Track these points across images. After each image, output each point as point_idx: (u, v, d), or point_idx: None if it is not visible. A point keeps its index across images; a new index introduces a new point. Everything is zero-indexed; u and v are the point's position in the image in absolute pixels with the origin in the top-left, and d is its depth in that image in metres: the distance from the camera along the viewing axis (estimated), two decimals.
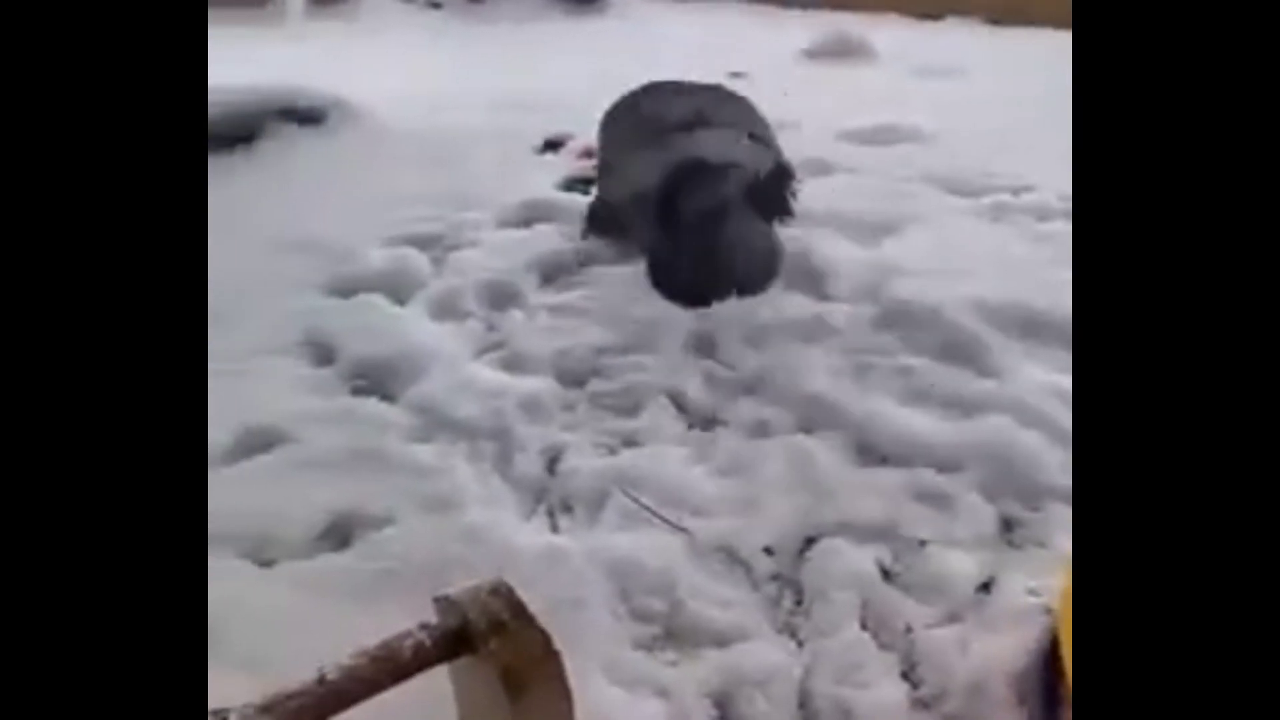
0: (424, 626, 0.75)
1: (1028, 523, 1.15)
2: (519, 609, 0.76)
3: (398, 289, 1.65)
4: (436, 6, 3.63)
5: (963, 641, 0.99)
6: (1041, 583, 1.03)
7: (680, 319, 1.54)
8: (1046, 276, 1.62)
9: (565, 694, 0.77)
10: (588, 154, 2.12)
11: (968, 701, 0.94)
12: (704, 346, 1.48)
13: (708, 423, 1.34)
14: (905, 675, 0.98)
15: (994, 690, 0.94)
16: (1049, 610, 0.97)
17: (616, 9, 3.34)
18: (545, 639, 0.75)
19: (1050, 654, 0.90)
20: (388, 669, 0.72)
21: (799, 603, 1.06)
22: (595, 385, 1.40)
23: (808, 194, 1.96)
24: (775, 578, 1.09)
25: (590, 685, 0.93)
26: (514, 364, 1.45)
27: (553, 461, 1.27)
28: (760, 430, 1.30)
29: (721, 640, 1.02)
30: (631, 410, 1.36)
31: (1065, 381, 1.35)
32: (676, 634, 1.03)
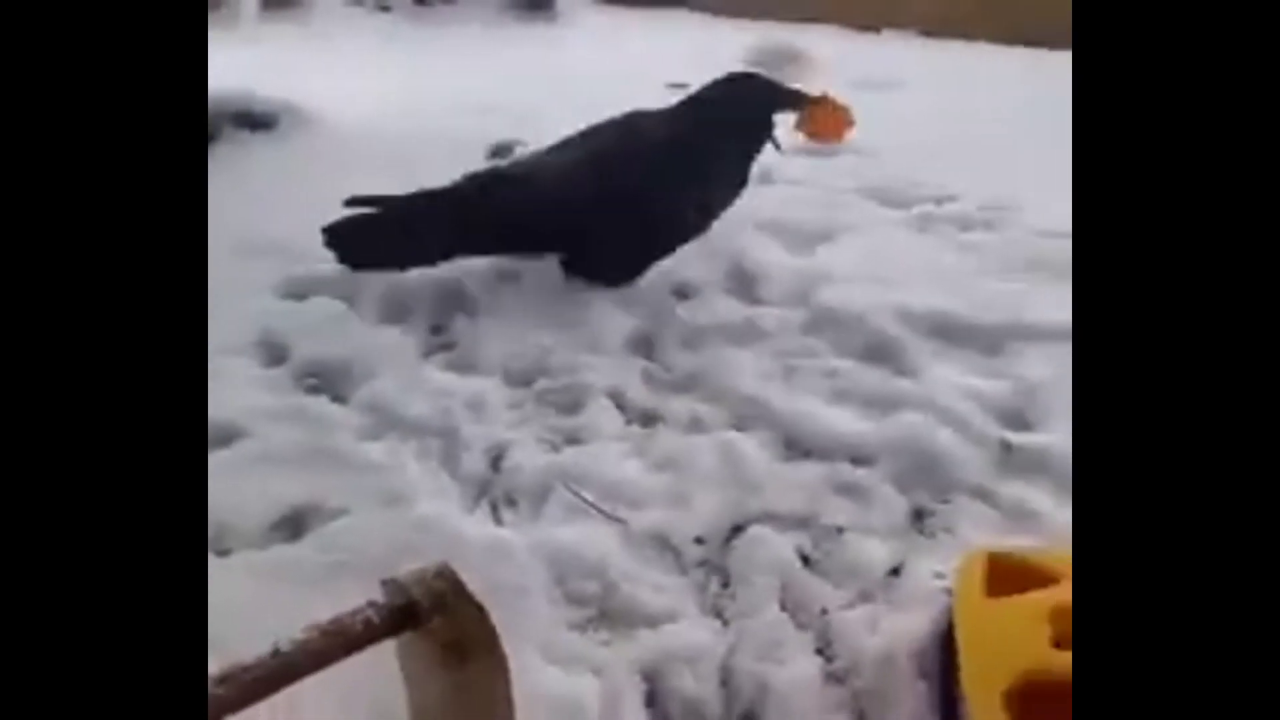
0: (372, 604, 0.81)
1: (937, 513, 1.24)
2: (460, 589, 0.83)
3: (349, 291, 1.71)
4: (386, 10, 3.66)
5: (873, 621, 1.08)
6: (946, 567, 1.12)
7: (621, 321, 1.62)
8: (966, 284, 1.72)
9: (503, 665, 0.84)
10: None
11: (876, 675, 1.02)
12: (643, 347, 1.56)
13: (646, 420, 1.42)
14: (820, 652, 1.06)
15: (900, 665, 1.02)
16: (950, 592, 1.06)
17: (565, 17, 3.41)
18: (484, 615, 0.83)
19: (947, 633, 0.99)
20: (339, 643, 0.79)
21: (725, 586, 1.14)
22: (540, 384, 1.48)
23: (749, 203, 2.05)
24: (703, 564, 1.17)
25: (528, 665, 1.00)
26: (461, 365, 1.52)
27: (497, 458, 1.34)
28: (695, 427, 1.38)
29: (652, 621, 1.09)
30: (574, 408, 1.43)
31: (978, 383, 1.45)
32: (610, 616, 1.10)
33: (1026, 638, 0.88)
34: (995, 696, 0.83)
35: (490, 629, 0.83)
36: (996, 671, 0.86)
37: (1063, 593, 0.91)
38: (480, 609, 0.83)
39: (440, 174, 1.95)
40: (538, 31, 3.32)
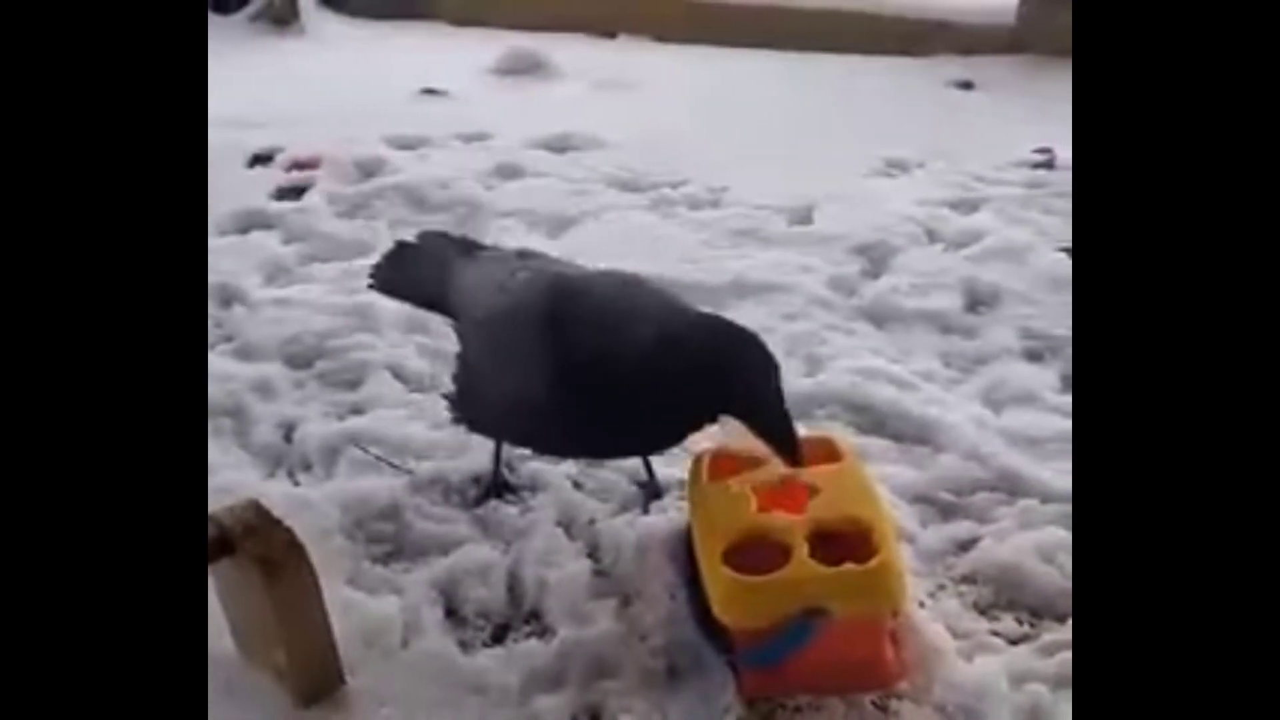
0: None
1: None
2: (267, 515, 0.97)
3: None
4: None
5: (631, 524, 1.29)
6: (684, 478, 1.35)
7: (398, 307, 1.76)
8: (697, 253, 1.99)
9: (313, 579, 0.99)
10: (297, 166, 2.30)
11: (634, 565, 1.23)
12: (417, 325, 1.71)
13: (424, 388, 1.57)
14: (589, 554, 1.26)
15: (653, 555, 1.24)
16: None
17: (313, 31, 3.45)
18: (292, 535, 0.97)
19: (688, 525, 1.21)
20: None
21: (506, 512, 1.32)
22: (321, 366, 1.60)
23: (503, 195, 2.24)
24: (485, 497, 1.35)
25: (337, 594, 1.14)
26: (244, 353, 1.62)
27: (289, 432, 1.46)
28: None
29: (444, 549, 1.26)
30: (355, 384, 1.57)
31: None
32: (406, 548, 1.26)
33: (738, 507, 1.11)
34: (718, 553, 1.06)
35: (299, 547, 0.97)
36: (718, 533, 1.09)
37: (765, 472, 1.15)
38: (288, 530, 0.98)
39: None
40: (286, 46, 3.35)
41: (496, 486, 1.35)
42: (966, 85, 2.97)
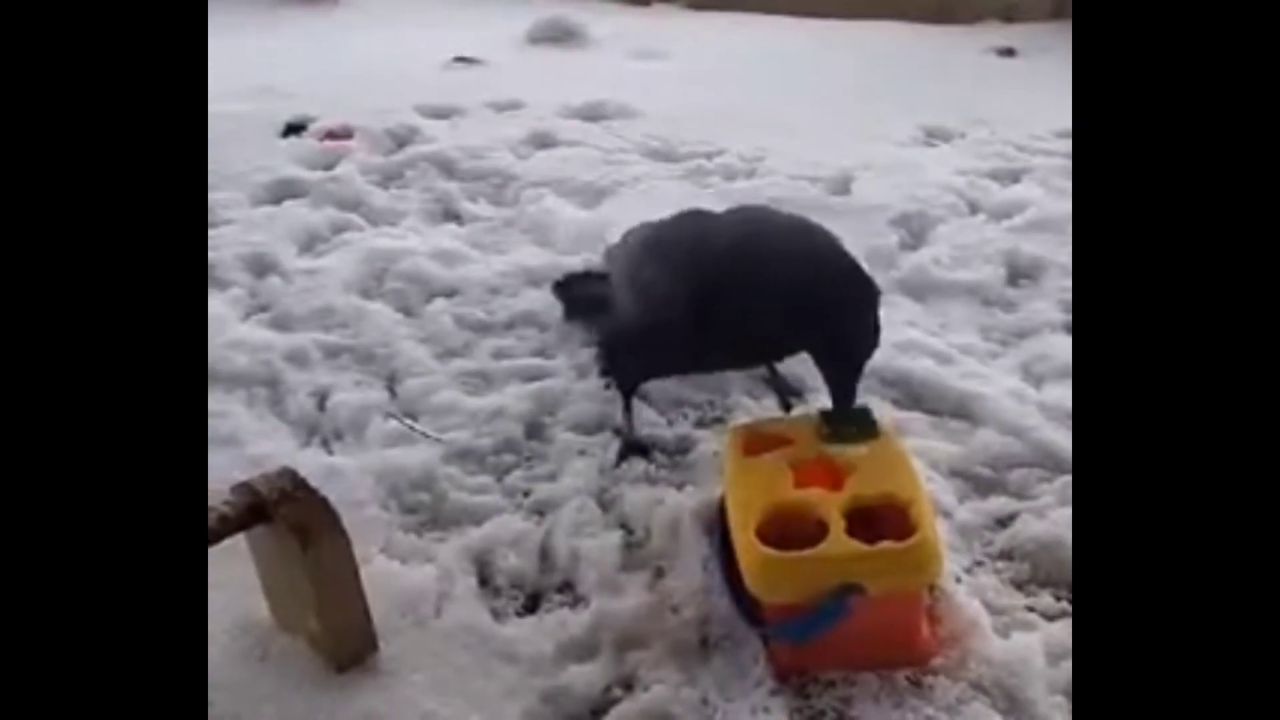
0: (226, 502, 0.94)
1: (716, 405, 1.46)
2: (302, 482, 0.97)
3: None
4: None
5: (661, 497, 1.28)
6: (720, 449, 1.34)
7: (430, 276, 1.76)
8: None
9: (347, 546, 0.99)
10: (331, 135, 2.30)
11: (666, 537, 1.23)
12: (452, 295, 1.71)
13: (455, 356, 1.57)
14: (621, 525, 1.26)
15: (685, 527, 1.23)
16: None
17: (346, 0, 3.45)
18: (326, 503, 0.97)
19: (720, 498, 1.20)
20: None
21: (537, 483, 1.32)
22: (354, 335, 1.60)
23: (536, 164, 2.23)
24: (517, 467, 1.35)
25: (372, 563, 1.15)
26: (278, 323, 1.62)
27: (322, 400, 1.46)
28: (501, 355, 1.55)
29: (478, 519, 1.26)
30: (389, 353, 1.56)
31: None
32: (440, 519, 1.27)
33: (775, 482, 1.10)
34: (751, 527, 1.05)
35: (333, 514, 0.97)
36: (753, 506, 1.07)
37: (797, 450, 1.13)
38: (323, 499, 0.98)
39: (238, 153, 2.02)
40: (319, 16, 3.35)
41: (631, 446, 1.36)
42: (1009, 52, 2.90)
